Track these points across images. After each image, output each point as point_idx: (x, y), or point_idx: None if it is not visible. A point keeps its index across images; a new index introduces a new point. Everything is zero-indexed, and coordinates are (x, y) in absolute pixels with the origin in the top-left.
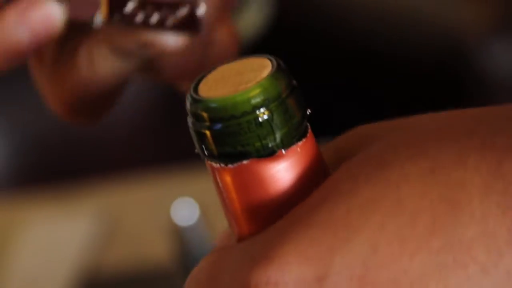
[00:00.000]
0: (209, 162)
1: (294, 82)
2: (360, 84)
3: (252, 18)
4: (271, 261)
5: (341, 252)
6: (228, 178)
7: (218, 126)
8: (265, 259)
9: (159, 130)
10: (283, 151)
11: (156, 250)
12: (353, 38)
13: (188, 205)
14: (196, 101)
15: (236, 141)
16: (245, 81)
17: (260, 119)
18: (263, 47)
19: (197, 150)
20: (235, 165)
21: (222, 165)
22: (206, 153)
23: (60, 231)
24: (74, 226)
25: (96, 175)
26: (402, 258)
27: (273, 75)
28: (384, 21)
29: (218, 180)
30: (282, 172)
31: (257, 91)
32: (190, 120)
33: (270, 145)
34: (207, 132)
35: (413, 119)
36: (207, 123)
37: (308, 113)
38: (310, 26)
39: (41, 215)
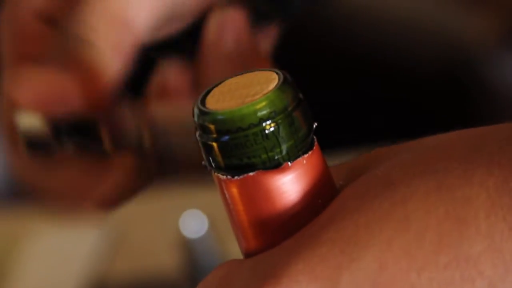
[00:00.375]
0: (216, 174)
1: (301, 95)
2: (366, 95)
3: None
4: (280, 280)
5: (349, 270)
6: (234, 190)
7: (225, 138)
8: (274, 278)
9: None
10: (289, 163)
11: (163, 262)
12: (359, 49)
13: (196, 217)
14: (203, 113)
15: (242, 153)
16: (251, 94)
17: (266, 132)
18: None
19: (204, 162)
20: (242, 176)
21: (229, 176)
22: (213, 165)
23: (67, 243)
24: (81, 237)
25: None
26: (410, 274)
27: (279, 88)
28: (391, 32)
29: (225, 192)
30: (288, 184)
31: (264, 103)
32: (197, 132)
33: (276, 157)
34: (214, 144)
35: (422, 140)
36: (214, 135)
37: (314, 126)
38: (316, 38)
39: (48, 226)
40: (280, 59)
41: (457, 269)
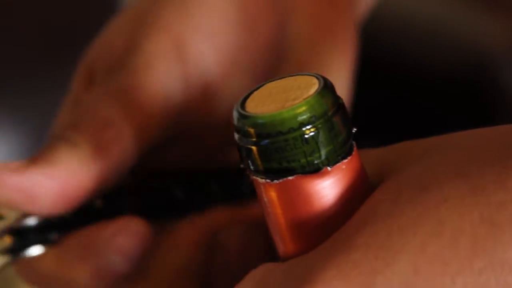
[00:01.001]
0: (254, 177)
1: (341, 100)
2: (384, 98)
3: None
4: (314, 285)
5: (383, 275)
6: (273, 194)
7: (265, 142)
8: (309, 283)
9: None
10: (329, 168)
11: None
12: (376, 52)
13: None
14: (243, 116)
15: (282, 157)
16: (292, 98)
17: (306, 136)
18: None
19: (243, 165)
20: (281, 180)
21: (268, 180)
22: (252, 168)
23: None
24: None
25: None
26: (444, 279)
27: (320, 93)
28: (409, 35)
29: (263, 195)
30: (327, 189)
31: (304, 108)
32: (236, 135)
33: (315, 162)
34: (254, 148)
35: (453, 137)
36: (254, 139)
37: (353, 131)
38: None
39: None
40: None
41: (491, 274)
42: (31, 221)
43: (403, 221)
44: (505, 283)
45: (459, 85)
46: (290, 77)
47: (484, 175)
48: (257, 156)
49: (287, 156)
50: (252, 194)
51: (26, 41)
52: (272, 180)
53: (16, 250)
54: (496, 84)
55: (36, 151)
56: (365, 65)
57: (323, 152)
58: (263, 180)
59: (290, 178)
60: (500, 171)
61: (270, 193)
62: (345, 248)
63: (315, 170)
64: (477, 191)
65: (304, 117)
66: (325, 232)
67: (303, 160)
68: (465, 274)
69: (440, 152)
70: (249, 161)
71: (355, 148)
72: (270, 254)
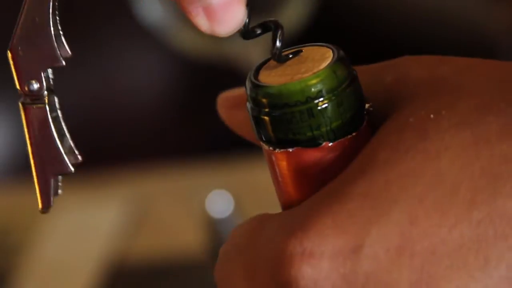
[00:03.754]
0: (261, 142)
1: (354, 74)
2: None
3: (293, 14)
4: (307, 233)
5: (378, 224)
6: (276, 161)
7: (272, 112)
8: (302, 231)
9: (194, 119)
10: (330, 144)
11: (187, 241)
12: (386, 35)
13: (223, 197)
14: (254, 85)
15: (288, 129)
16: (302, 71)
17: (312, 110)
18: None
19: (253, 130)
20: (281, 150)
21: (271, 148)
22: (262, 136)
23: (90, 218)
24: (104, 213)
25: (129, 161)
26: (441, 229)
27: (330, 67)
28: (416, 19)
29: (268, 160)
30: (328, 162)
31: (312, 82)
32: (248, 104)
33: (320, 136)
34: (262, 117)
35: (460, 70)
36: (263, 109)
37: (366, 107)
38: (346, 24)
39: (71, 200)
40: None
41: (490, 226)
42: None
43: (401, 171)
44: (502, 234)
45: None
46: (307, 47)
47: (489, 126)
48: (265, 125)
49: (293, 129)
50: None
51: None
52: (274, 149)
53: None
54: None
55: None
56: (366, 47)
57: (329, 127)
58: (267, 147)
59: (289, 150)
60: (504, 122)
61: (273, 159)
62: (340, 197)
63: (315, 145)
64: (480, 142)
65: (312, 91)
66: None
67: (309, 133)
68: (462, 225)
69: (447, 91)
70: (259, 128)
71: (364, 124)
72: None
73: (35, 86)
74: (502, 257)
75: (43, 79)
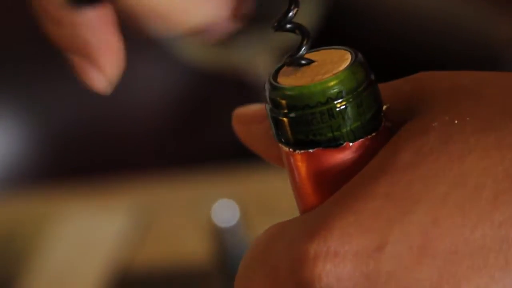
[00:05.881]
0: (280, 144)
1: (372, 76)
2: None
3: (304, 16)
4: (330, 232)
5: (401, 223)
6: (295, 162)
7: (293, 114)
8: (325, 230)
9: (200, 128)
10: (350, 144)
11: (193, 249)
12: (391, 45)
13: (229, 207)
14: (274, 88)
15: (309, 130)
16: (322, 72)
17: (333, 111)
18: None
19: (272, 133)
20: (302, 151)
21: (291, 150)
22: (281, 138)
23: (96, 226)
24: (110, 220)
25: (135, 170)
26: (463, 230)
27: (350, 68)
28: (424, 30)
29: (286, 162)
30: (348, 161)
31: (333, 83)
32: (267, 106)
33: (340, 136)
34: (282, 119)
35: (479, 81)
36: (283, 110)
37: (384, 108)
38: (350, 33)
39: (77, 209)
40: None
41: (511, 227)
42: None
43: (424, 172)
44: None
45: None
46: (325, 50)
47: (511, 130)
48: (285, 127)
49: (313, 130)
50: None
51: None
52: (294, 150)
53: None
54: None
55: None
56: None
57: (349, 128)
58: (287, 149)
59: (310, 150)
60: None
61: (292, 161)
62: (363, 196)
63: (336, 145)
64: (504, 146)
65: (332, 92)
66: None
67: (329, 134)
68: (485, 226)
69: (469, 99)
70: (278, 131)
71: (383, 124)
72: None
73: None
74: None
75: None
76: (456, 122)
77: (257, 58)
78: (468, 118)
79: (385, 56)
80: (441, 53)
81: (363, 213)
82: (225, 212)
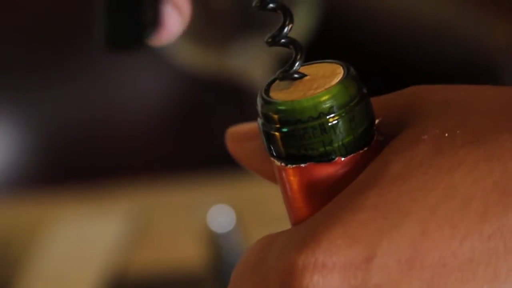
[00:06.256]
0: (272, 159)
1: (364, 90)
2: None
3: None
4: (319, 244)
5: (390, 235)
6: (287, 176)
7: (284, 129)
8: (313, 242)
9: (195, 133)
10: (342, 158)
11: (187, 254)
12: (387, 52)
13: (224, 212)
14: (266, 102)
15: (300, 145)
16: (314, 87)
17: (325, 126)
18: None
19: (264, 147)
20: (293, 166)
21: (282, 164)
22: (273, 152)
23: (91, 231)
24: (105, 225)
25: (131, 175)
26: (452, 241)
27: (342, 83)
28: (418, 36)
29: (278, 176)
30: (340, 176)
31: (324, 97)
32: (259, 120)
33: (332, 151)
34: (274, 134)
35: (470, 95)
36: (275, 125)
37: (376, 122)
38: (344, 40)
39: (72, 213)
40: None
41: (500, 240)
42: None
43: (414, 184)
44: None
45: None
46: (317, 64)
47: (503, 143)
48: (277, 141)
49: (305, 144)
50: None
51: (26, 35)
52: (286, 165)
53: None
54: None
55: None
56: (368, 61)
57: (341, 142)
58: (279, 163)
59: (302, 165)
60: None
61: (284, 175)
62: (352, 208)
63: (328, 160)
64: (493, 158)
65: (324, 106)
66: None
67: (321, 149)
68: (474, 238)
69: (460, 112)
70: (270, 145)
71: (375, 138)
72: None
73: None
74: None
75: None
76: (446, 135)
77: (253, 64)
78: (458, 131)
79: (381, 63)
80: (438, 60)
81: (351, 224)
82: (220, 217)
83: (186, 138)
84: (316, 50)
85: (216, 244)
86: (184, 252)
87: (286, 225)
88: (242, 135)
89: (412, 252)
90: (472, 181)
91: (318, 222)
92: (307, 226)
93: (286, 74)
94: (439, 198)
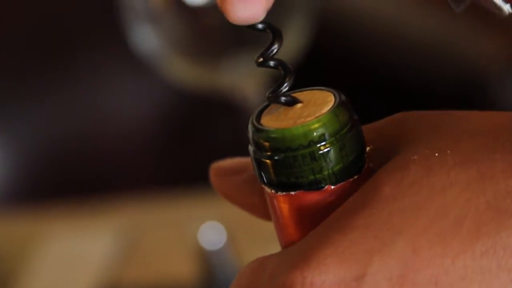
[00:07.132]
0: (263, 185)
1: (355, 118)
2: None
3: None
4: (308, 263)
5: (381, 253)
6: (277, 203)
7: (275, 156)
8: (303, 262)
9: (187, 149)
10: (332, 187)
11: (179, 271)
12: (377, 69)
13: (215, 229)
14: (256, 130)
15: (290, 173)
16: (305, 115)
17: (315, 154)
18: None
19: (255, 173)
20: (283, 194)
21: (273, 191)
22: (264, 179)
23: (82, 247)
24: (96, 242)
25: (121, 191)
26: (444, 259)
27: (332, 111)
28: (408, 53)
29: (269, 203)
30: (330, 204)
31: (315, 126)
32: (250, 147)
33: (322, 179)
34: (263, 160)
35: (459, 119)
36: (265, 152)
37: (367, 149)
38: (337, 58)
39: (63, 229)
40: (301, 79)
41: (493, 258)
42: None
43: (405, 204)
44: (505, 266)
45: (453, 102)
46: (308, 91)
47: (494, 163)
48: (268, 169)
49: (295, 172)
50: None
51: (26, 41)
52: (276, 192)
53: None
54: (488, 103)
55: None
56: (359, 78)
57: (331, 170)
58: (269, 190)
59: (292, 193)
60: (510, 160)
61: (274, 202)
62: (342, 228)
63: (318, 188)
64: (486, 177)
65: (314, 135)
66: None
67: (311, 177)
68: (466, 256)
69: (449, 135)
70: (261, 172)
71: (365, 166)
72: None
73: None
74: None
75: None
76: (436, 155)
77: (245, 81)
78: (448, 151)
79: (371, 80)
80: (427, 76)
81: (341, 244)
82: (211, 234)
83: (178, 154)
84: (307, 69)
85: (207, 261)
86: (175, 269)
87: (277, 242)
88: (226, 170)
89: (404, 269)
90: (465, 200)
91: (308, 243)
92: (298, 248)
93: (274, 95)
94: (432, 217)
